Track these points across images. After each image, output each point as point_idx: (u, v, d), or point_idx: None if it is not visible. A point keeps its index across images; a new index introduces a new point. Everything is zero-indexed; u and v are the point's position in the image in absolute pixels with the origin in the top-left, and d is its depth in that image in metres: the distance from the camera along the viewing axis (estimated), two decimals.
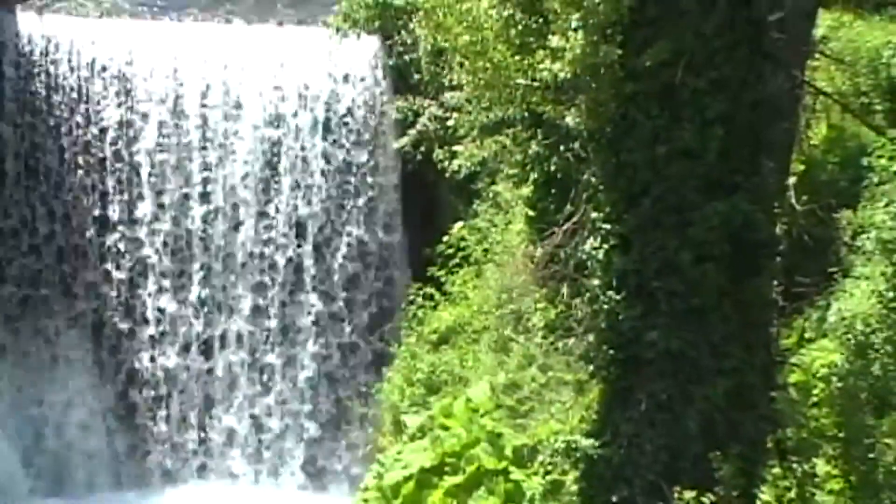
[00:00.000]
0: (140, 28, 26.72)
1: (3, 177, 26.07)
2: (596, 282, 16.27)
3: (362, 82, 26.76)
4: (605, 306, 16.04)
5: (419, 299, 25.26)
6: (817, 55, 19.67)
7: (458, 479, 19.52)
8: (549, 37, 15.30)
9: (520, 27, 15.67)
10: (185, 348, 27.09)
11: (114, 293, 26.67)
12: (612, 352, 16.16)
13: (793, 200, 18.05)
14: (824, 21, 21.35)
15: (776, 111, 15.89)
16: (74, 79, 26.11)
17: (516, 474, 19.11)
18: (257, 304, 27.16)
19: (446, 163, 24.48)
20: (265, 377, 27.34)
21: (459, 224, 25.61)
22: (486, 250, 24.40)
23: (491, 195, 25.15)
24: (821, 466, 15.06)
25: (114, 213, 26.48)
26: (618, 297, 15.87)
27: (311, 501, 26.83)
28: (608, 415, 16.39)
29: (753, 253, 15.84)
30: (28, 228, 26.35)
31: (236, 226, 26.86)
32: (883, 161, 19.26)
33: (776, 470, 15.47)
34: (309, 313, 27.19)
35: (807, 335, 18.50)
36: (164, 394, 27.02)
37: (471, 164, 23.67)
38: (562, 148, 19.34)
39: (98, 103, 26.21)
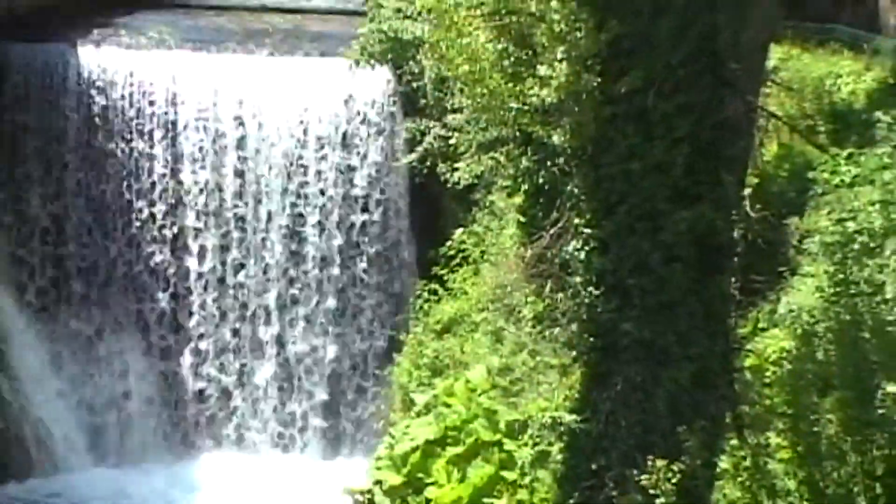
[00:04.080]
0: (183, 58, 26.74)
1: (67, 196, 26.21)
2: (578, 279, 16.20)
3: (376, 106, 26.77)
4: (586, 300, 15.98)
5: (425, 294, 25.25)
6: (769, 83, 19.64)
7: (459, 449, 19.52)
8: (538, 67, 15.25)
9: (512, 58, 15.62)
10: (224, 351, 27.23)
11: (162, 291, 26.74)
12: (591, 340, 16.10)
13: (748, 209, 18.00)
14: (775, 53, 21.37)
15: (734, 131, 15.82)
16: (127, 103, 26.14)
17: (509, 445, 19.11)
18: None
19: (448, 176, 24.44)
20: (295, 360, 27.33)
21: (460, 229, 25.58)
22: (483, 252, 24.38)
23: (487, 204, 25.12)
24: (773, 439, 15.00)
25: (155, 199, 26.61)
26: (597, 293, 15.81)
27: (331, 468, 26.81)
28: (588, 394, 16.33)
29: (715, 254, 15.77)
30: (86, 228, 26.50)
31: (266, 232, 26.88)
32: (825, 175, 19.40)
33: (734, 442, 15.40)
34: (330, 308, 27.21)
35: (760, 325, 18.51)
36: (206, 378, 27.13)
37: (470, 177, 23.61)
38: (549, 163, 19.28)
39: (148, 124, 26.22)
